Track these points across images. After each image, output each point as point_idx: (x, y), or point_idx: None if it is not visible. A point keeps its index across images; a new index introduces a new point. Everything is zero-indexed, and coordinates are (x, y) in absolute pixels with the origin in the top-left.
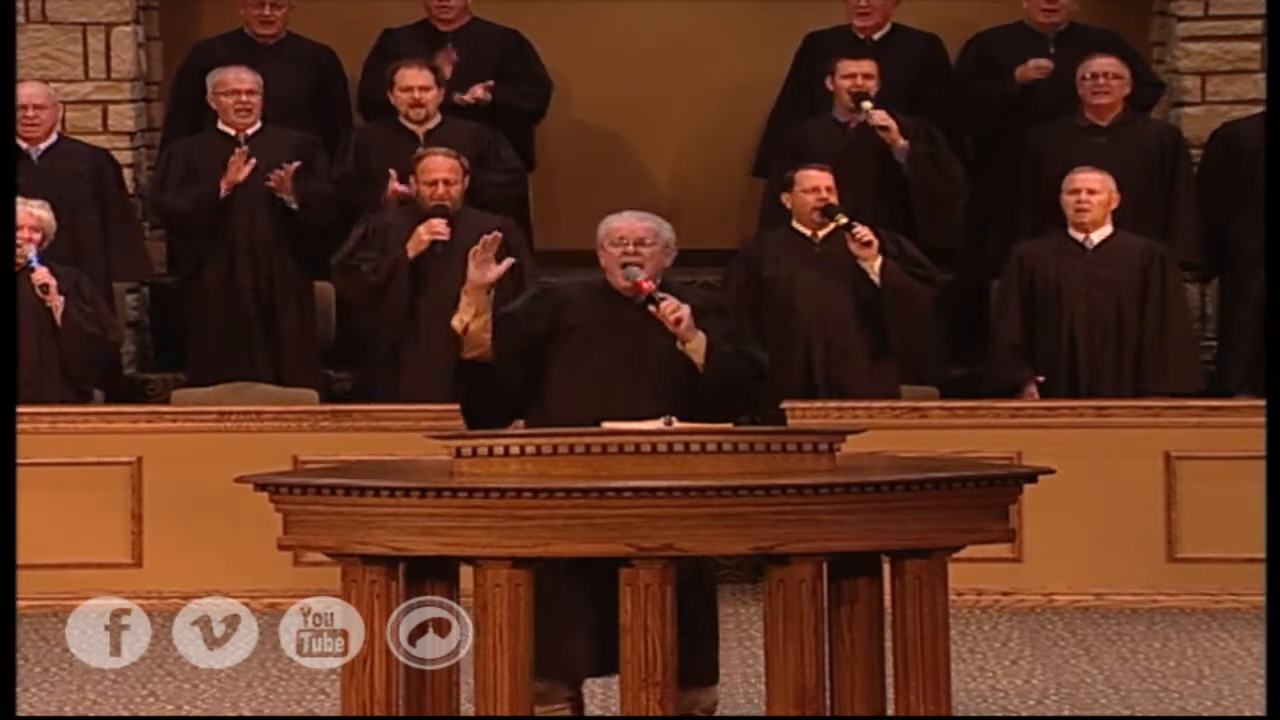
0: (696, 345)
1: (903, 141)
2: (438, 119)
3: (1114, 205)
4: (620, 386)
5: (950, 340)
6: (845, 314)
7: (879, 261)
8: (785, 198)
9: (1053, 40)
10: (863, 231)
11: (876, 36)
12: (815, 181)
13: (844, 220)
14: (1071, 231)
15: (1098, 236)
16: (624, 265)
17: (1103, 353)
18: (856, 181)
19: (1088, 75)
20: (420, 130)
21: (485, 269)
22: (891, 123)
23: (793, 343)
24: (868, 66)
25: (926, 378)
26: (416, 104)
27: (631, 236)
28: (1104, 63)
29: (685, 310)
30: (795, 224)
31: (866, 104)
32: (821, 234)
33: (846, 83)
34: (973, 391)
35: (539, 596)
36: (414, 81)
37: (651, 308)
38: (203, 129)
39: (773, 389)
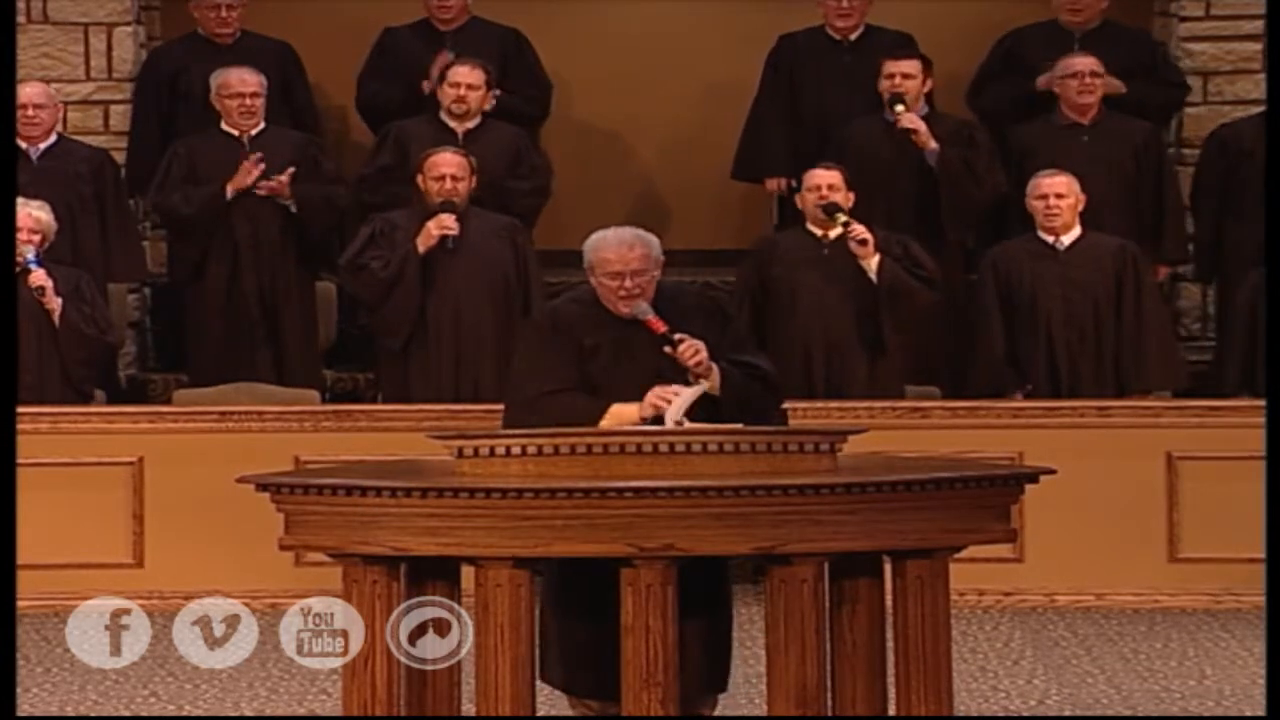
0: (712, 381)
1: (933, 144)
2: (478, 120)
3: (1081, 207)
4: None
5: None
6: (845, 314)
7: (876, 260)
8: (797, 198)
9: (1079, 39)
10: (858, 229)
11: (852, 37)
12: (818, 180)
13: (843, 219)
14: (1041, 234)
15: (1068, 238)
16: (623, 298)
17: (1081, 353)
18: (899, 182)
19: (1070, 74)
20: (460, 128)
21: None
22: (920, 125)
23: (792, 342)
24: (908, 66)
25: (935, 378)
26: (460, 100)
27: (626, 270)
28: (1086, 61)
29: (703, 354)
30: (808, 224)
31: (899, 106)
32: (832, 234)
33: (886, 84)
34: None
35: (597, 613)
36: (464, 79)
37: (668, 349)
38: (177, 132)
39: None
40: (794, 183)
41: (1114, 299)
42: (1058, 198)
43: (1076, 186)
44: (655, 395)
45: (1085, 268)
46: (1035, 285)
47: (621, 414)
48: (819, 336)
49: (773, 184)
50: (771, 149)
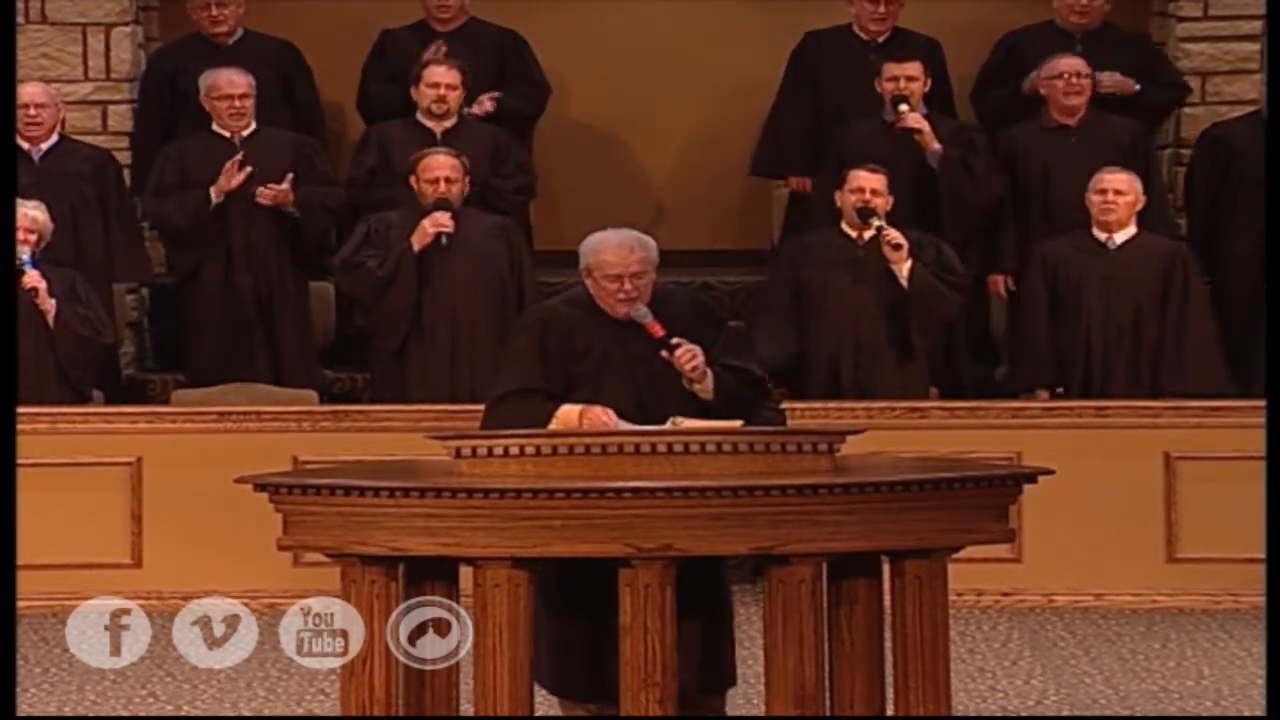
0: (706, 386)
1: (936, 145)
2: (456, 119)
3: (1140, 206)
4: (634, 417)
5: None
6: (875, 316)
7: (908, 265)
8: (837, 195)
9: (1080, 40)
10: (892, 234)
11: (880, 40)
12: (861, 183)
13: (877, 223)
14: (1095, 231)
15: (1121, 237)
16: (622, 301)
17: (1118, 353)
18: (897, 183)
19: (1057, 75)
20: (439, 129)
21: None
22: (924, 126)
23: (822, 343)
24: (911, 69)
25: (957, 380)
26: (440, 100)
27: (626, 273)
28: (1073, 62)
29: (700, 359)
30: (843, 224)
31: (904, 106)
32: (866, 235)
33: (890, 86)
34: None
35: (588, 614)
36: (441, 79)
37: (665, 354)
38: (177, 133)
39: (787, 389)
40: (814, 182)
41: (1159, 301)
42: (1117, 194)
43: (1138, 186)
44: (601, 413)
45: (1133, 268)
46: (1081, 282)
47: (567, 417)
48: (848, 338)
49: (794, 183)
50: (793, 148)
